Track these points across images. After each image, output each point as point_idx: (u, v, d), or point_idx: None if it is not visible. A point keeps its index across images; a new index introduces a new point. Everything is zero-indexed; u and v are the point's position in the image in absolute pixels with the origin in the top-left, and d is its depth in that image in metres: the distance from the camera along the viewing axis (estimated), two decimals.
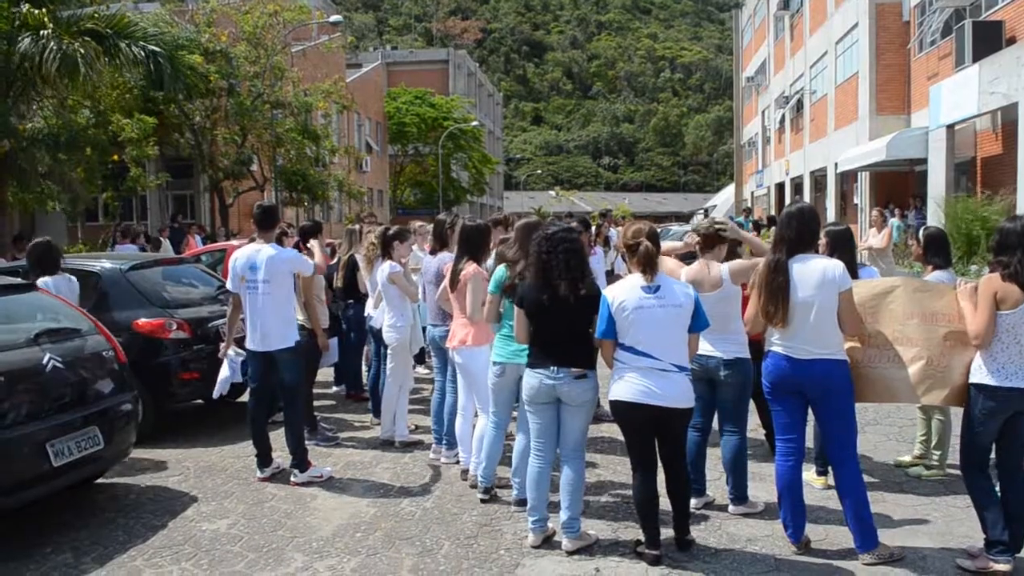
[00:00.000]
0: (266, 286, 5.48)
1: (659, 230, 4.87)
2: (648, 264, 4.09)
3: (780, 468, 4.25)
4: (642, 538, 4.22)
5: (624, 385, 4.11)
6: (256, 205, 5.92)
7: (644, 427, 4.17)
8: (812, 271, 4.05)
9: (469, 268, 5.29)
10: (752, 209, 34.10)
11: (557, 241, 4.25)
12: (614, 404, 4.19)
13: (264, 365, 5.61)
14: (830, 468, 5.04)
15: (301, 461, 5.59)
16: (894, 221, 17.56)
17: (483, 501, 5.05)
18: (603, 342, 4.19)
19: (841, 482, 4.16)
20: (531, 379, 4.36)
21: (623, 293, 4.11)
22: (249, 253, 5.59)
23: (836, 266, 4.09)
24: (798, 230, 4.13)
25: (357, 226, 8.42)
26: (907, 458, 5.68)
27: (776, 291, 4.06)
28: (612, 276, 9.82)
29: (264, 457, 5.70)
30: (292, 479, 5.57)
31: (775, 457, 4.33)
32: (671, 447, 4.27)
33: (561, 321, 4.26)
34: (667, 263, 4.68)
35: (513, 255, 4.84)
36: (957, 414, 4.24)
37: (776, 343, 4.17)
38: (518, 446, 4.86)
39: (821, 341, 4.05)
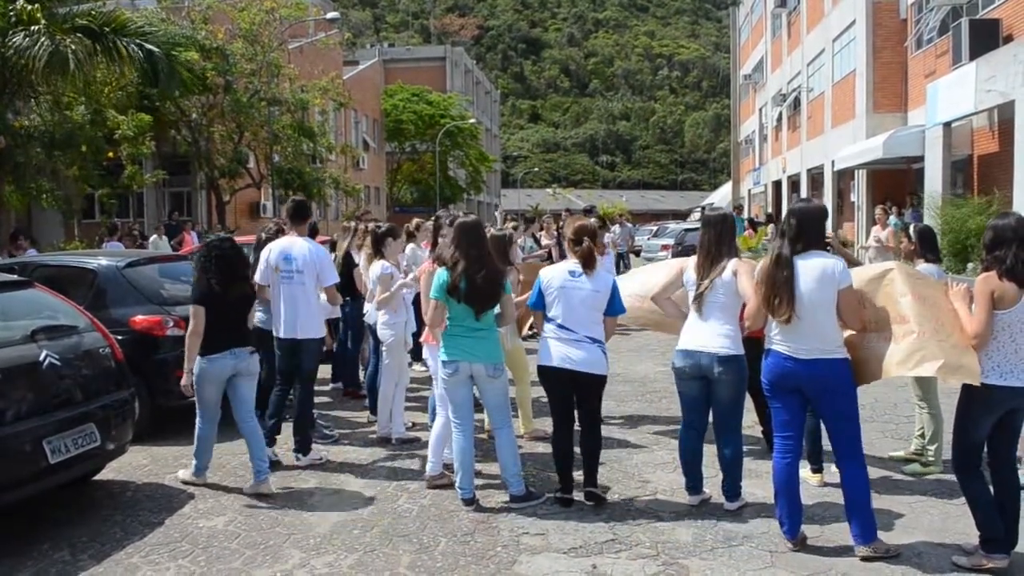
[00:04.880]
0: (300, 276, 5.72)
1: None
2: (589, 259, 4.81)
3: (777, 465, 4.27)
4: (557, 493, 4.92)
5: (546, 352, 4.84)
6: (290, 199, 6.27)
7: (562, 387, 4.87)
8: (813, 268, 4.07)
9: (423, 265, 5.59)
10: (743, 207, 33.93)
11: (212, 249, 5.29)
12: (540, 368, 4.91)
13: (291, 353, 5.82)
14: (826, 465, 5.08)
15: (305, 446, 5.80)
16: (892, 219, 17.56)
17: (467, 506, 4.92)
18: (535, 312, 5.05)
19: (845, 476, 4.15)
20: (219, 362, 5.19)
21: (552, 274, 4.90)
22: (284, 245, 5.84)
23: (836, 263, 4.10)
24: (799, 226, 4.13)
25: (353, 223, 8.44)
26: (902, 454, 5.71)
27: (780, 284, 4.07)
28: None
29: (270, 440, 5.89)
30: (295, 461, 5.75)
31: (772, 454, 4.34)
32: (587, 409, 4.95)
33: (231, 312, 5.22)
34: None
35: (451, 256, 4.89)
36: (948, 408, 4.27)
37: (777, 341, 4.18)
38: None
39: (821, 339, 4.06)
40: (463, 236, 4.87)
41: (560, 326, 4.78)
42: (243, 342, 5.30)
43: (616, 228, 18.91)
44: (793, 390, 4.18)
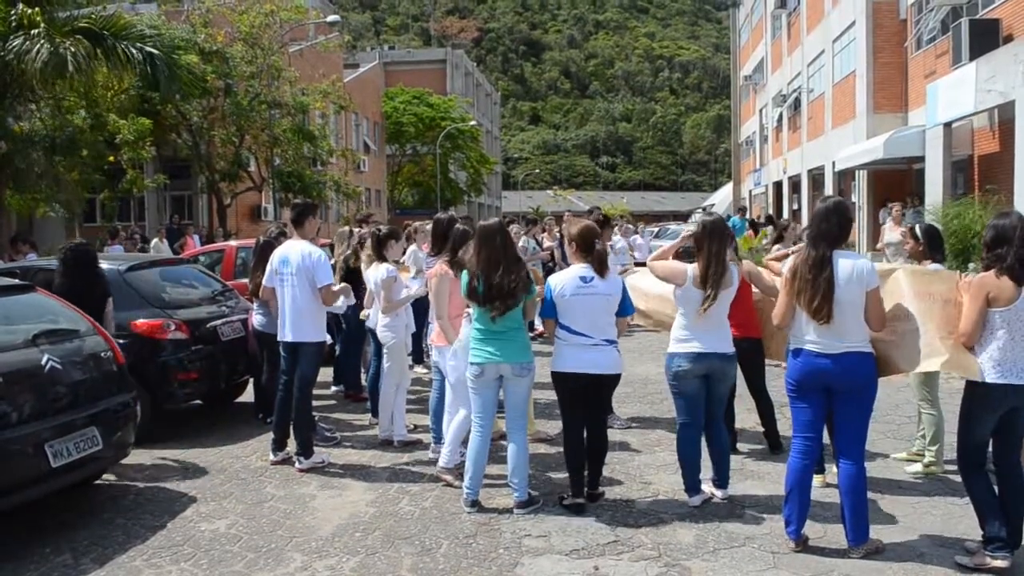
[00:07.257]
0: (295, 279, 5.74)
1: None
2: (602, 264, 4.86)
3: (794, 465, 4.25)
4: (567, 494, 4.90)
5: (563, 359, 4.83)
6: (291, 203, 6.37)
7: (578, 392, 4.85)
8: (843, 268, 4.06)
9: (434, 268, 5.56)
10: (747, 208, 33.90)
11: (75, 253, 6.11)
12: (555, 374, 4.89)
13: (294, 355, 5.86)
14: (827, 466, 5.08)
15: (306, 449, 5.81)
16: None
17: (469, 512, 4.86)
18: (546, 321, 4.99)
19: (846, 476, 4.15)
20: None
21: (563, 281, 4.83)
22: (284, 248, 5.93)
23: (864, 264, 4.10)
24: (839, 224, 4.11)
25: (347, 228, 8.47)
26: (904, 455, 5.70)
27: (823, 286, 4.03)
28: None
29: (280, 443, 5.97)
30: (297, 466, 5.75)
31: (790, 454, 4.30)
32: (597, 409, 5.02)
33: (93, 306, 5.77)
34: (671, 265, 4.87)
35: (470, 260, 4.92)
36: (950, 409, 4.27)
37: (807, 341, 4.14)
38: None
39: (849, 335, 4.06)
40: (481, 240, 4.84)
41: (576, 332, 4.77)
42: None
43: (635, 238, 17.58)
44: (820, 389, 4.16)
